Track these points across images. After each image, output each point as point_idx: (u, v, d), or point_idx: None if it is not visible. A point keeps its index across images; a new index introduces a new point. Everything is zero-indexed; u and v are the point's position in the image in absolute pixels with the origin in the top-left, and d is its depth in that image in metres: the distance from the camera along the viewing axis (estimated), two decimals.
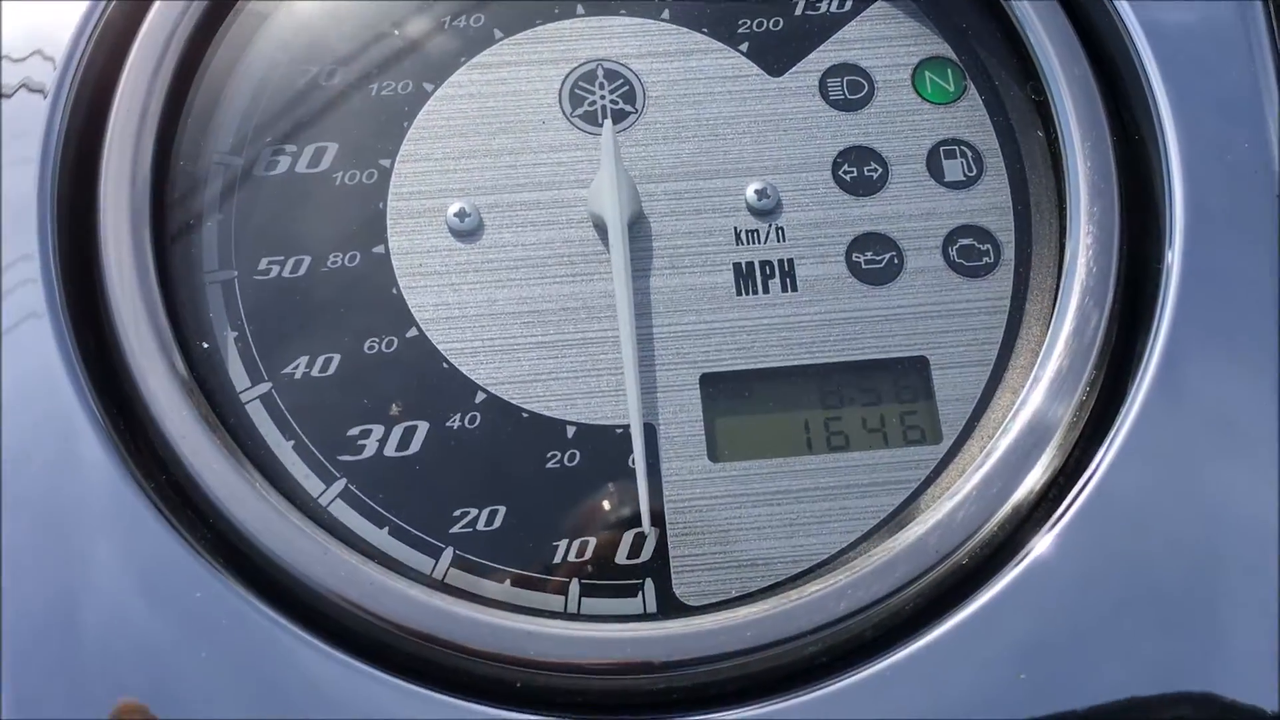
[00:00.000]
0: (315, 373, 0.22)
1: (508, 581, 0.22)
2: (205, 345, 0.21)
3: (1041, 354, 0.21)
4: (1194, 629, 0.23)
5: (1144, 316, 0.22)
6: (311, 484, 0.22)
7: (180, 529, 0.21)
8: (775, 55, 0.23)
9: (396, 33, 0.23)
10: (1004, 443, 0.21)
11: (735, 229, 0.23)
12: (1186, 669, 0.23)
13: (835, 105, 0.23)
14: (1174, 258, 0.21)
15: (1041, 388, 0.21)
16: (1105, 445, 0.21)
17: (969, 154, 0.23)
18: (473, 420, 0.22)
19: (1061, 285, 0.21)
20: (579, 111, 0.23)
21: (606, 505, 0.22)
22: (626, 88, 0.23)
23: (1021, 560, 0.22)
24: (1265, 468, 0.23)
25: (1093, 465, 0.22)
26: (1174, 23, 0.22)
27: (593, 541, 0.22)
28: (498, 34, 0.23)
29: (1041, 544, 0.22)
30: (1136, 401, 0.22)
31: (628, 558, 0.21)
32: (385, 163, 0.22)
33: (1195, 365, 0.22)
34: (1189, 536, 0.23)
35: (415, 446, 0.21)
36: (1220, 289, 0.22)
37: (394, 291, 0.22)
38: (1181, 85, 0.22)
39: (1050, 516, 0.22)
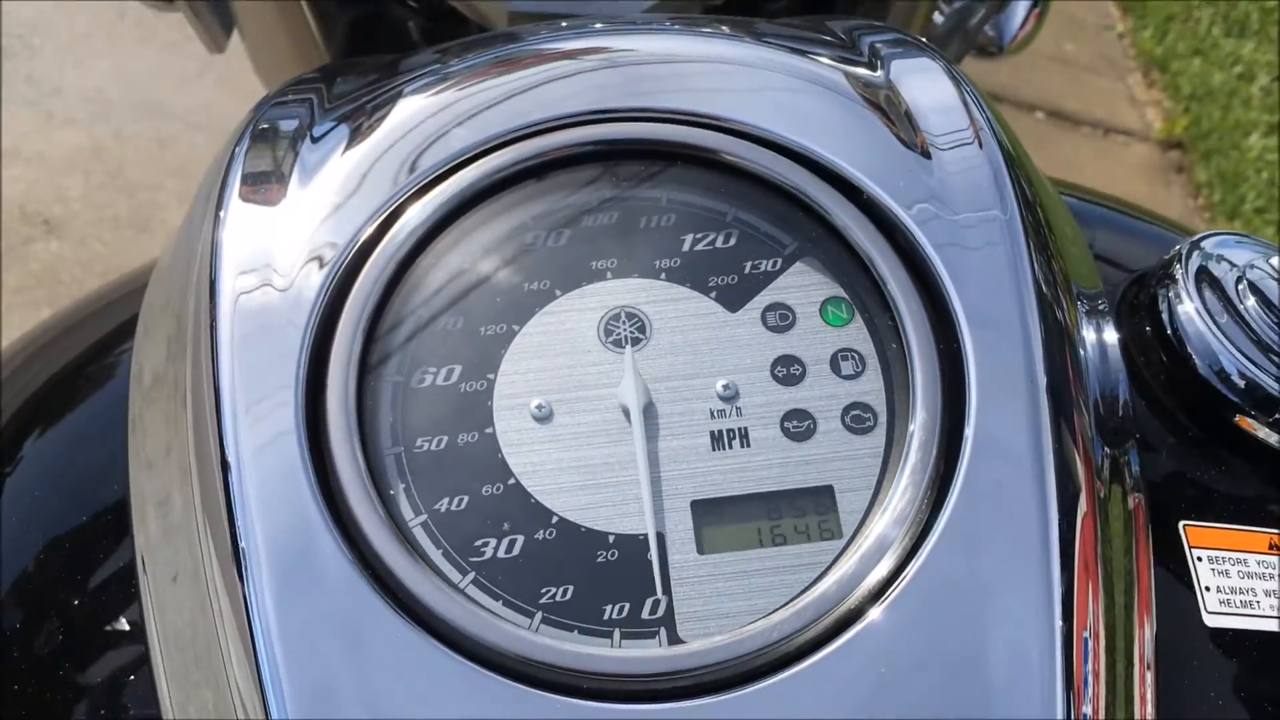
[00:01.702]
0: (452, 507, 0.33)
1: (576, 631, 0.32)
2: (391, 491, 0.33)
3: (894, 484, 0.32)
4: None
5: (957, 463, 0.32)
6: (454, 575, 0.32)
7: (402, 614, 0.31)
8: (733, 298, 0.35)
9: (497, 297, 0.35)
10: (870, 539, 0.31)
11: (710, 410, 0.34)
12: None
13: (771, 329, 0.35)
14: (970, 430, 0.31)
15: (891, 509, 0.31)
16: (921, 552, 0.31)
17: (856, 357, 0.34)
18: (550, 534, 0.32)
19: (910, 441, 0.32)
20: (610, 339, 0.35)
21: (634, 583, 0.32)
22: (640, 323, 0.34)
23: (855, 626, 0.31)
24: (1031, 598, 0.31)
25: (917, 560, 0.31)
26: (976, 271, 0.33)
27: (627, 605, 0.32)
28: (558, 292, 0.35)
29: (872, 614, 0.31)
30: (940, 525, 0.31)
31: (649, 614, 0.32)
32: (491, 376, 0.34)
33: (980, 523, 0.31)
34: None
35: (516, 551, 0.32)
36: (1002, 454, 0.31)
37: (499, 456, 0.33)
38: (975, 313, 0.32)
39: (885, 597, 0.31)
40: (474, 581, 0.33)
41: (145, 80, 2.20)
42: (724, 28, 0.39)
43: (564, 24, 0.42)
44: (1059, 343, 0.33)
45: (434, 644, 0.31)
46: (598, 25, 0.40)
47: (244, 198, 0.36)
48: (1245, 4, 3.06)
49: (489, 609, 0.32)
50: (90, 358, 0.54)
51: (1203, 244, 0.41)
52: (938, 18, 0.73)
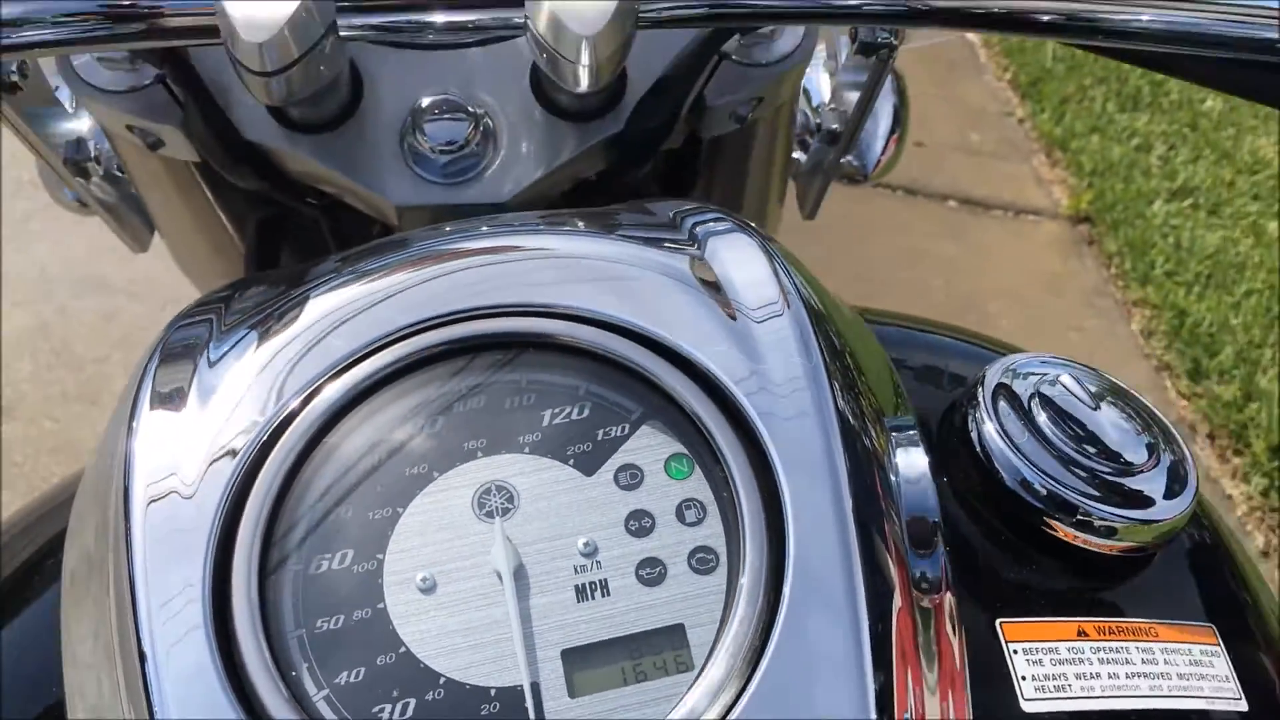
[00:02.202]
0: (351, 679, 0.36)
1: None
2: (294, 672, 0.36)
3: (734, 616, 0.36)
4: None
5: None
6: None
7: None
8: (589, 464, 0.40)
9: (381, 484, 0.39)
10: (718, 668, 0.35)
11: (573, 566, 0.38)
12: None
13: (623, 488, 0.39)
14: (791, 561, 0.35)
15: (733, 639, 0.35)
16: (758, 673, 0.35)
17: (698, 505, 0.38)
18: (439, 694, 0.36)
19: (744, 576, 0.36)
20: (483, 512, 0.39)
21: None
22: (508, 494, 0.39)
23: None
24: None
25: (754, 681, 0.35)
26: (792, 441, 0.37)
27: None
28: (435, 474, 0.40)
29: None
30: (771, 647, 0.35)
31: None
32: (380, 556, 0.38)
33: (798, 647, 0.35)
34: None
35: (410, 713, 0.36)
36: (820, 578, 0.35)
37: (390, 628, 0.37)
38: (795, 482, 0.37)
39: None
40: None
41: (86, 257, 2.26)
42: (572, 223, 0.45)
43: (447, 227, 0.47)
44: (868, 472, 0.38)
45: None
46: (466, 229, 0.45)
47: (153, 412, 0.40)
48: (1135, 80, 3.23)
49: None
50: (34, 562, 0.57)
51: (1006, 365, 0.47)
52: (801, 156, 0.80)
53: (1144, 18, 0.40)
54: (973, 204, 2.73)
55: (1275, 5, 0.38)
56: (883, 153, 0.88)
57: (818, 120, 0.77)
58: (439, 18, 0.48)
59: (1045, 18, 0.41)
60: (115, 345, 2.19)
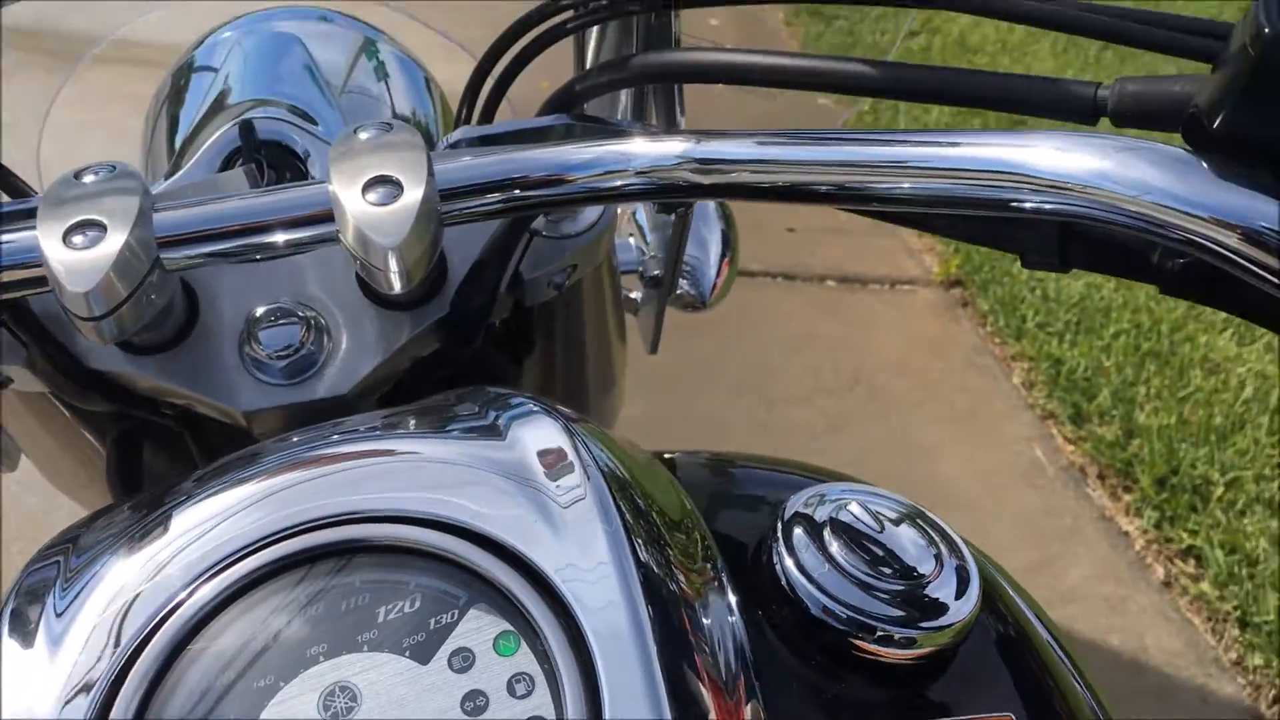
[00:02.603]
0: None
1: None
2: None
3: None
4: None
5: None
6: None
7: None
8: (424, 653, 0.43)
9: (232, 701, 0.42)
10: None
11: None
12: None
13: (457, 671, 0.42)
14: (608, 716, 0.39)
15: None
16: None
17: (527, 678, 0.41)
18: None
19: None
20: (329, 713, 0.41)
21: None
22: (351, 693, 0.41)
23: None
24: None
25: None
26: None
27: None
28: (280, 684, 0.42)
29: None
30: None
31: None
32: None
33: None
34: None
35: None
36: None
37: None
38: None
39: None
40: None
41: None
42: (392, 424, 0.48)
43: (294, 437, 0.50)
44: (676, 622, 0.41)
45: None
46: (306, 440, 0.49)
47: (10, 652, 0.43)
48: None
49: None
50: None
51: (806, 497, 0.51)
52: (636, 295, 0.85)
53: (905, 185, 0.45)
54: (850, 281, 2.83)
55: (1011, 170, 0.43)
56: (717, 277, 0.93)
57: (642, 264, 0.83)
58: (257, 239, 0.52)
59: (822, 188, 0.47)
60: (15, 536, 2.15)
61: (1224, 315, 2.62)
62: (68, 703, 0.40)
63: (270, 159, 0.64)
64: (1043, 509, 2.19)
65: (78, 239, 0.47)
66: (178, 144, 0.80)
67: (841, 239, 2.96)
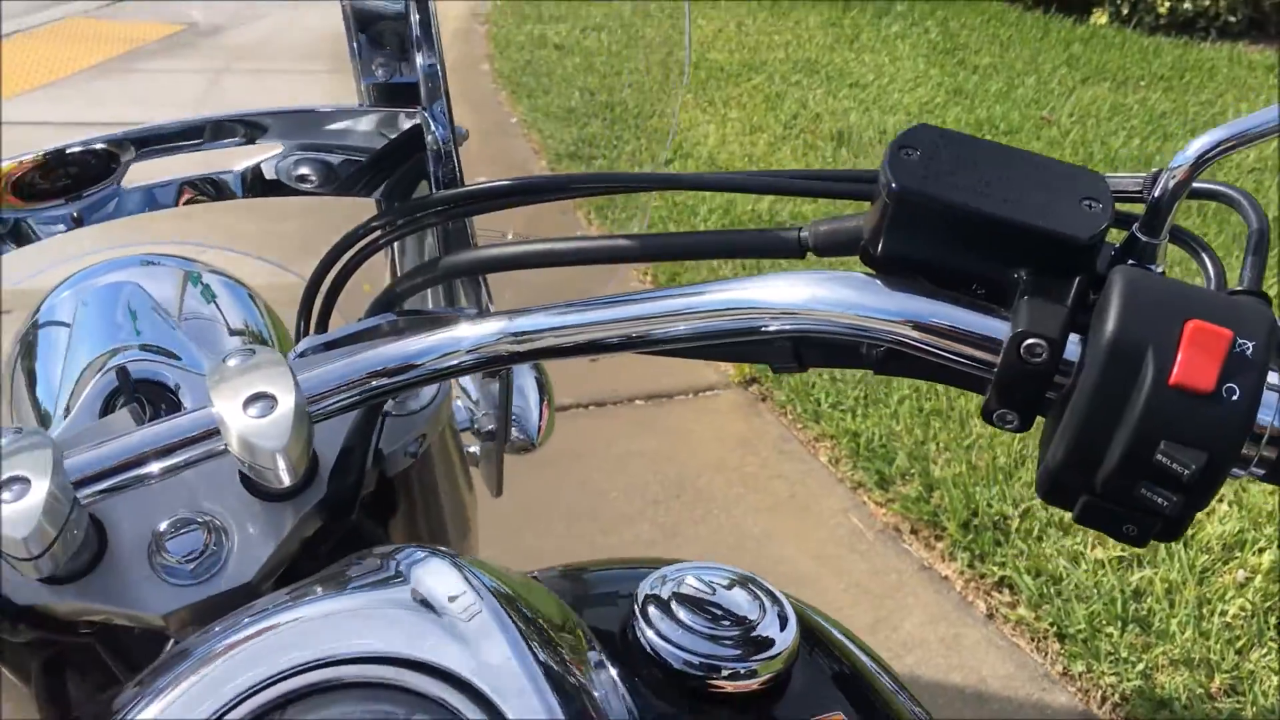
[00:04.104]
0: None
1: None
2: None
3: None
4: None
5: None
6: None
7: None
8: None
9: None
10: None
11: None
12: None
13: None
14: None
15: None
16: None
17: None
18: None
19: None
20: None
21: None
22: None
23: None
24: None
25: None
26: None
27: None
28: None
29: None
30: None
31: None
32: None
33: None
34: None
35: None
36: None
37: None
38: None
39: None
40: None
41: None
42: (305, 592, 0.58)
43: (216, 627, 0.59)
44: (576, 699, 0.52)
45: None
46: (228, 625, 0.57)
47: None
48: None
49: None
50: None
51: (651, 579, 0.63)
52: (474, 449, 0.96)
53: (677, 328, 0.59)
54: (657, 397, 3.01)
55: (750, 306, 0.57)
56: (540, 419, 1.06)
57: (475, 422, 0.95)
58: (158, 464, 0.61)
59: (612, 340, 0.60)
60: None
61: None
62: None
63: (146, 395, 0.74)
64: (870, 570, 2.37)
65: (6, 495, 0.56)
66: (39, 396, 0.87)
67: (640, 361, 3.14)
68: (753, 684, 0.58)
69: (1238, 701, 2.00)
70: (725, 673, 0.57)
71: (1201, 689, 2.02)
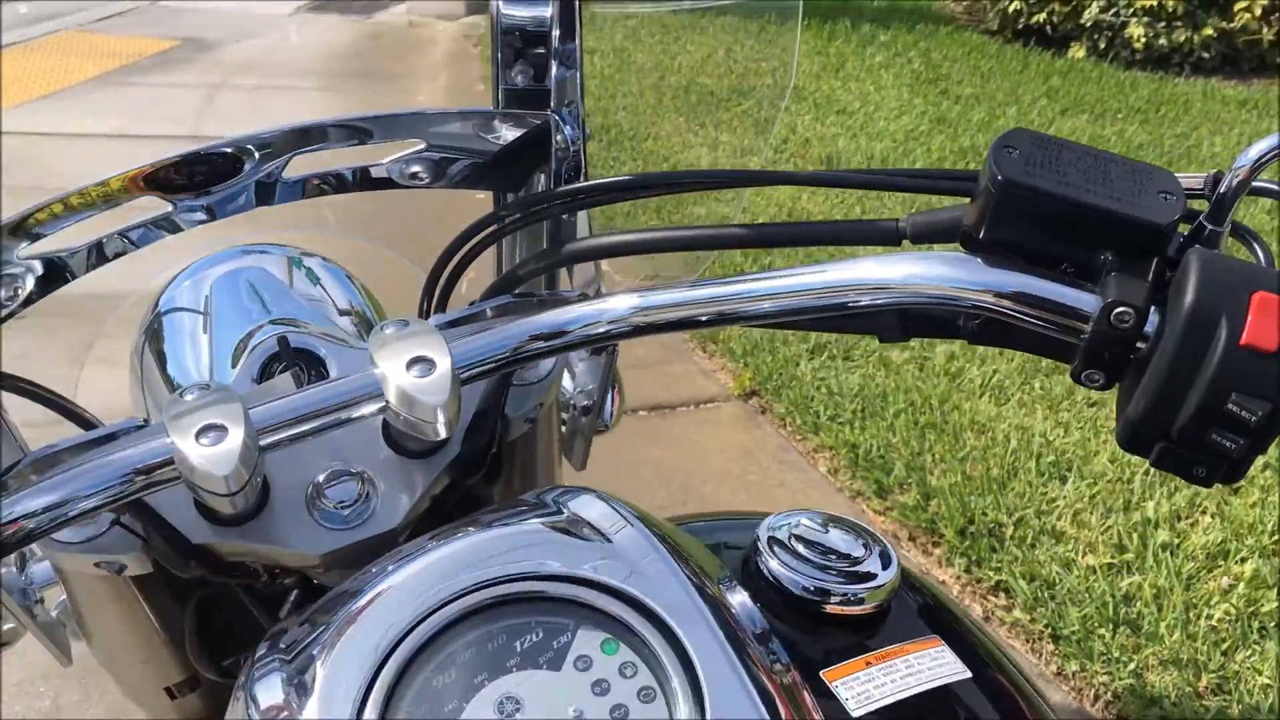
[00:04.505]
0: None
1: None
2: None
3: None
4: None
5: None
6: None
7: None
8: (556, 663, 0.60)
9: (451, 701, 0.57)
10: None
11: None
12: None
13: (581, 670, 0.57)
14: (703, 676, 0.58)
15: None
16: None
17: (631, 665, 0.59)
18: None
19: (675, 695, 0.57)
20: (504, 714, 0.58)
21: None
22: (516, 701, 0.58)
23: None
24: None
25: None
26: None
27: None
28: (464, 705, 0.59)
29: None
30: None
31: None
32: None
33: None
34: None
35: None
36: (720, 678, 0.57)
37: None
38: None
39: None
40: None
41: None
42: (492, 523, 0.66)
43: (401, 552, 0.66)
44: (722, 609, 0.60)
45: None
46: (420, 546, 0.64)
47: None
48: (750, 268, 3.77)
49: None
50: None
51: (769, 524, 0.72)
52: (562, 425, 1.05)
53: (794, 303, 0.68)
54: (661, 408, 3.09)
55: (869, 283, 0.66)
56: (613, 405, 1.15)
57: (571, 399, 1.03)
58: (323, 420, 0.69)
59: (738, 313, 0.68)
60: None
61: (980, 383, 3.02)
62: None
63: (299, 363, 0.82)
64: None
65: (205, 439, 0.64)
66: (172, 374, 0.95)
67: (643, 372, 3.23)
68: (860, 610, 0.67)
69: (1224, 700, 2.10)
70: (836, 599, 0.66)
71: (1190, 687, 2.12)
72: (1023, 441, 2.84)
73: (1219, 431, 0.57)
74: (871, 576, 0.67)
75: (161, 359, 0.97)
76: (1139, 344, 0.59)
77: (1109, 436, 2.87)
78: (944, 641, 0.68)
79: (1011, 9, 6.92)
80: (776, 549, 0.68)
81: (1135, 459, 2.69)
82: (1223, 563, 2.43)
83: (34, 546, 0.82)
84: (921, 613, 0.71)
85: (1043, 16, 6.76)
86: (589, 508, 0.65)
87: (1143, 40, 6.35)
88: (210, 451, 0.63)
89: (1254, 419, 0.55)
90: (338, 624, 0.60)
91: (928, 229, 0.68)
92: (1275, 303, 0.55)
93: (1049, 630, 2.26)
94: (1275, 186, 0.64)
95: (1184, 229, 0.64)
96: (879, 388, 3.10)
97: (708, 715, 0.54)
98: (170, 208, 0.88)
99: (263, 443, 0.67)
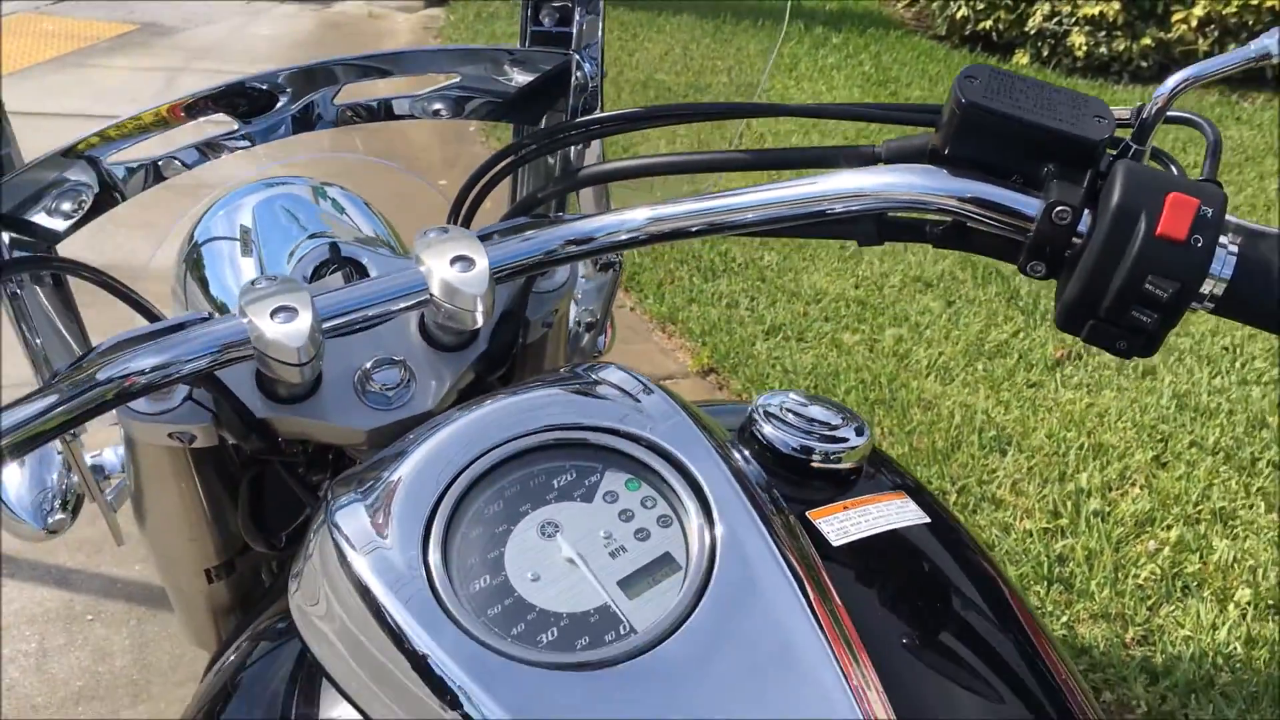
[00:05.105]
0: (493, 613, 0.67)
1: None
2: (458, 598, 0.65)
3: (691, 549, 0.71)
4: None
5: None
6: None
7: None
8: (588, 496, 0.71)
9: (498, 526, 0.68)
10: (694, 568, 0.68)
11: (603, 545, 0.68)
12: None
13: (609, 503, 0.65)
14: (716, 514, 0.72)
15: (694, 561, 0.69)
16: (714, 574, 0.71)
17: (651, 498, 0.70)
18: (563, 622, 0.66)
19: (689, 524, 0.70)
20: (544, 535, 0.69)
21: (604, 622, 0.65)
22: (555, 525, 0.69)
23: None
24: None
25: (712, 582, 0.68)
26: None
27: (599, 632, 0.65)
28: (511, 527, 0.70)
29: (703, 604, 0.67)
30: (719, 559, 0.70)
31: (619, 632, 0.64)
32: (502, 549, 0.67)
33: None
34: None
35: (555, 636, 0.65)
36: (733, 518, 0.72)
37: (512, 587, 0.67)
38: None
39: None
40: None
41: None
42: (537, 389, 0.76)
43: (454, 411, 0.76)
44: (728, 455, 0.71)
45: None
46: (470, 406, 0.74)
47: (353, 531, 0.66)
48: (708, 256, 3.90)
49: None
50: None
51: (761, 400, 0.83)
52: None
53: (786, 211, 0.79)
54: None
55: (854, 192, 0.77)
56: (606, 336, 1.26)
57: (578, 319, 1.15)
58: (374, 310, 0.79)
59: (739, 221, 0.80)
60: None
61: (927, 364, 3.17)
62: (404, 540, 0.65)
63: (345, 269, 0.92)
64: None
65: (279, 318, 0.74)
66: (214, 294, 1.06)
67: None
68: (839, 466, 0.79)
69: (1149, 649, 2.26)
70: (819, 457, 0.78)
71: (1117, 639, 2.28)
72: (966, 417, 2.99)
73: (1138, 308, 0.69)
74: (848, 440, 0.79)
75: (204, 283, 1.07)
76: (1075, 239, 0.71)
77: (1046, 414, 3.03)
78: (907, 496, 0.80)
79: (959, 15, 7.13)
80: (769, 418, 0.80)
81: (1069, 434, 2.85)
82: (1150, 529, 2.59)
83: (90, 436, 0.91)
84: (889, 475, 0.84)
85: (989, 23, 6.97)
86: (616, 375, 0.76)
87: (1084, 48, 6.58)
88: (284, 328, 0.73)
89: (1165, 296, 0.68)
90: (404, 465, 0.71)
91: (900, 152, 0.80)
92: (1185, 201, 0.68)
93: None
94: (1187, 114, 0.77)
95: (1113, 153, 0.76)
96: (831, 367, 3.24)
97: (717, 534, 0.66)
98: (220, 133, 0.98)
99: (325, 326, 0.78)
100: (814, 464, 0.78)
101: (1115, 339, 0.71)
